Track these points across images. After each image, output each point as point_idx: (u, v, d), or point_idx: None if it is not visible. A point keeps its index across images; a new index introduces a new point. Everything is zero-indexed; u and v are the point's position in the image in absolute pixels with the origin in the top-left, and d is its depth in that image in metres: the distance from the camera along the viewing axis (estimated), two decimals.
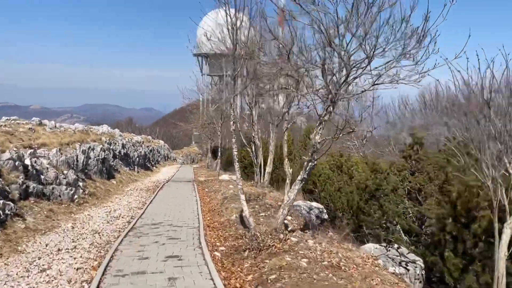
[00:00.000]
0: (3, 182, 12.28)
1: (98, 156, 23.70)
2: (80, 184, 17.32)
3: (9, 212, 11.25)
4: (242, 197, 10.49)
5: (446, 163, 10.71)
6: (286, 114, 13.18)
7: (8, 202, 11.46)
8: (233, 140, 11.28)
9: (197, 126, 39.32)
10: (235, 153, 11.17)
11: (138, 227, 12.29)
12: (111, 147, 29.89)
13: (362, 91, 7.83)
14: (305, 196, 18.13)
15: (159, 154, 54.98)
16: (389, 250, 8.95)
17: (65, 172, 16.38)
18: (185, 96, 36.87)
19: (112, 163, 28.67)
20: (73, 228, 12.11)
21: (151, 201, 17.64)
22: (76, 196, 15.75)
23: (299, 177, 9.15)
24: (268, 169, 22.09)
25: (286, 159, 9.75)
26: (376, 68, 7.80)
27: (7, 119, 21.61)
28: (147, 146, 45.97)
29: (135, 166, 35.49)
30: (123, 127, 74.97)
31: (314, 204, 14.51)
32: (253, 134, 23.14)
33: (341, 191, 16.11)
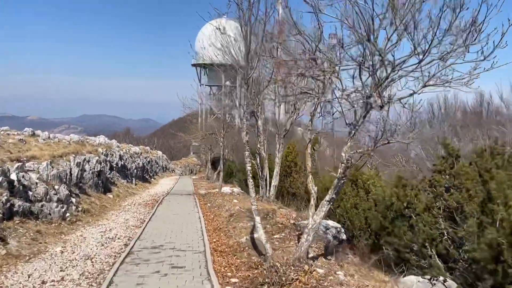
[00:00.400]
0: None
1: (94, 168, 22.16)
2: (73, 200, 15.76)
3: None
4: (257, 219, 8.99)
5: (487, 178, 9.26)
6: (310, 123, 11.71)
7: None
8: (246, 153, 9.82)
9: (197, 137, 37.77)
10: (249, 168, 9.69)
11: (136, 251, 10.74)
12: (108, 158, 28.34)
13: (411, 94, 6.40)
14: None
15: (157, 165, 53.41)
16: (434, 284, 7.46)
17: (56, 187, 14.84)
18: (185, 105, 35.59)
19: (109, 176, 27.12)
20: (62, 252, 10.55)
21: (150, 218, 16.08)
22: (68, 214, 14.19)
23: (327, 198, 7.67)
24: (274, 182, 20.62)
25: (311, 176, 8.26)
26: (424, 65, 6.38)
27: None
28: (145, 157, 44.41)
29: (133, 178, 33.91)
30: (120, 138, 73.39)
31: (331, 222, 12.98)
32: (258, 145, 21.70)
33: (358, 207, 14.61)
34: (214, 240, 12.09)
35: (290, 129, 20.68)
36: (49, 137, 24.17)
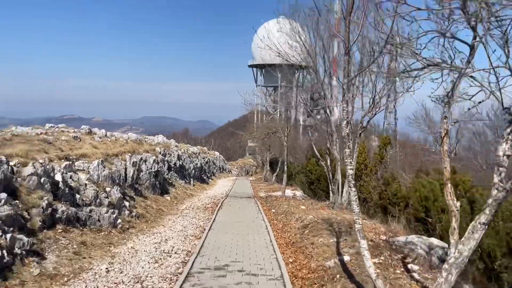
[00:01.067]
0: (20, 206, 8.91)
1: (151, 168, 20.41)
2: (126, 204, 13.86)
3: (19, 251, 7.78)
4: (364, 244, 6.42)
5: None
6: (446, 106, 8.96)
7: (20, 236, 8.00)
8: (347, 151, 7.25)
9: (257, 136, 35.50)
10: (351, 172, 7.15)
11: (197, 273, 8.48)
12: (166, 158, 26.71)
13: None
14: (409, 226, 13.76)
15: (214, 166, 51.87)
16: None
17: (108, 189, 12.97)
18: (246, 101, 34.13)
19: (166, 176, 25.43)
20: (108, 271, 8.49)
21: (211, 226, 13.87)
22: (119, 221, 12.24)
23: (482, 219, 4.99)
24: (346, 187, 17.87)
25: (449, 185, 5.58)
26: None
27: (51, 126, 18.72)
28: (203, 158, 42.84)
29: (191, 179, 32.22)
30: (179, 138, 72.88)
31: (435, 241, 10.16)
32: (328, 145, 19.05)
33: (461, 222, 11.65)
34: (291, 260, 9.61)
35: (367, 126, 17.89)
36: (106, 135, 22.75)
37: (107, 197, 12.61)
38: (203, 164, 40.85)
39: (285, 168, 23.75)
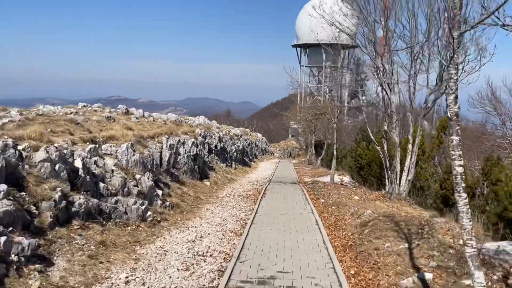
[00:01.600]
0: (27, 199, 7.38)
1: (190, 152, 18.82)
2: (159, 192, 12.24)
3: (15, 258, 6.21)
4: (479, 277, 4.35)
5: None
6: None
7: (18, 239, 6.44)
8: (454, 139, 5.10)
9: (302, 118, 33.30)
10: (459, 169, 5.02)
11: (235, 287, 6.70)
12: (207, 140, 25.13)
13: None
14: (487, 227, 11.37)
15: (257, 148, 50.18)
16: None
17: (138, 176, 11.38)
18: (293, 79, 32.32)
19: (206, 159, 23.89)
20: (127, 282, 6.84)
21: (253, 220, 12.06)
22: (149, 213, 10.62)
23: None
24: (408, 175, 15.56)
25: None
26: None
27: (84, 105, 17.43)
28: (245, 140, 41.16)
29: (232, 162, 30.60)
30: (221, 119, 71.65)
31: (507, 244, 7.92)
32: (385, 127, 16.73)
33: None
34: (352, 272, 7.60)
35: (433, 107, 15.41)
36: (143, 115, 21.36)
37: (136, 186, 11.02)
38: (245, 146, 39.19)
39: (335, 152, 21.50)
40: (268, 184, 22.05)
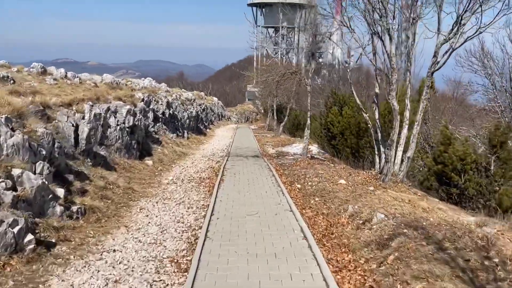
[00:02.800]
0: None
1: (124, 123, 14.24)
2: (60, 192, 7.75)
3: None
4: None
5: None
6: None
7: None
8: None
9: (268, 78, 28.72)
10: None
11: None
12: (151, 106, 20.44)
13: None
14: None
15: (212, 113, 45.62)
16: None
17: (16, 172, 6.84)
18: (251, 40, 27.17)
19: (152, 129, 19.32)
20: None
21: (207, 230, 7.85)
22: (29, 237, 6.17)
23: None
24: (408, 151, 11.75)
25: None
26: None
27: None
28: (199, 105, 36.49)
29: (184, 131, 26.07)
30: (173, 82, 65.91)
31: None
32: (376, 90, 12.77)
33: None
34: None
35: (446, 61, 11.45)
36: (65, 76, 16.32)
37: (11, 188, 6.50)
38: (199, 112, 34.58)
39: (308, 120, 17.26)
40: (227, 159, 17.81)
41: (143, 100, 19.01)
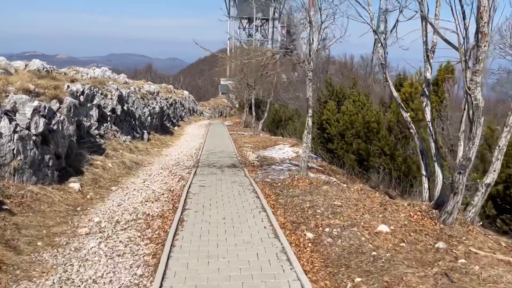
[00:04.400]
0: None
1: (28, 128, 8.86)
2: None
3: None
4: None
5: None
6: None
7: None
8: None
9: (244, 65, 23.41)
10: None
11: None
12: (95, 102, 15.06)
13: None
14: None
15: (182, 108, 40.08)
16: None
17: None
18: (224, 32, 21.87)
19: (95, 132, 14.04)
20: None
21: None
22: None
23: None
24: (489, 177, 6.87)
25: None
26: None
27: None
28: (166, 99, 30.97)
29: (144, 131, 20.66)
30: (141, 75, 59.84)
31: None
32: (426, 74, 7.84)
33: None
34: None
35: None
36: None
37: None
38: (165, 108, 29.09)
39: (309, 121, 11.81)
40: (194, 173, 12.59)
41: (79, 93, 13.57)
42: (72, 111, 11.53)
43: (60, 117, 10.07)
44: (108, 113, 16.53)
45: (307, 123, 11.05)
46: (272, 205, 8.71)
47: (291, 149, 18.74)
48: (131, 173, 12.51)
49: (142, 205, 8.88)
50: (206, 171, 13.10)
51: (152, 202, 9.08)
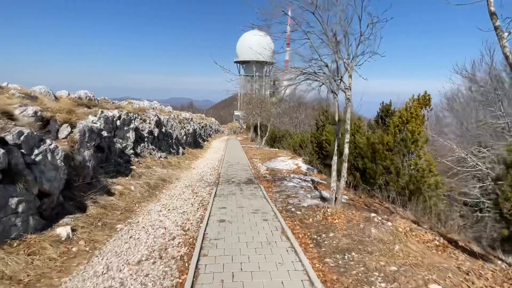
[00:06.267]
0: None
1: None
2: None
3: None
4: None
5: None
6: None
7: None
8: None
9: (250, 108, 18.29)
10: None
11: None
12: (132, 126, 9.68)
13: None
14: None
15: (211, 129, 34.73)
16: None
17: None
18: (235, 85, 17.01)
19: (130, 151, 8.62)
20: None
21: None
22: None
23: None
24: None
25: None
26: None
27: None
28: (199, 123, 25.65)
29: (180, 147, 15.25)
30: (185, 109, 54.45)
31: None
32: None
33: None
34: None
35: None
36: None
37: None
38: (198, 129, 23.75)
39: (345, 148, 5.98)
40: (214, 194, 7.26)
41: (116, 118, 8.23)
42: (87, 135, 6.16)
43: (50, 145, 4.69)
44: (146, 135, 11.16)
45: (344, 151, 5.62)
46: (321, 272, 3.36)
47: (291, 161, 13.44)
48: (154, 195, 7.10)
49: (135, 274, 3.50)
50: (226, 191, 7.74)
51: (154, 263, 3.70)
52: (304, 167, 12.28)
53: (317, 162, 11.58)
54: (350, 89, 4.95)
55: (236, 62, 77.68)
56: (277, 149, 20.92)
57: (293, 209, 5.78)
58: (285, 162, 13.53)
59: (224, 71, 6.82)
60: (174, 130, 15.77)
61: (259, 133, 23.35)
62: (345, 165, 5.31)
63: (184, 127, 17.89)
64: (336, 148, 5.42)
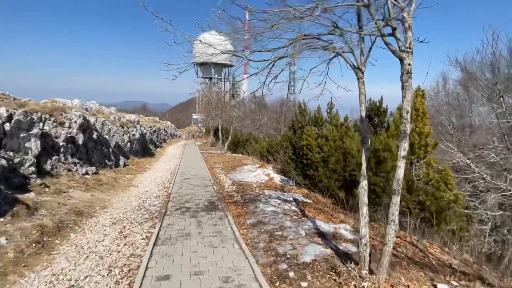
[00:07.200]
0: None
1: None
2: None
3: None
4: None
5: None
6: None
7: None
8: None
9: (210, 110, 15.59)
10: None
11: None
12: (35, 131, 6.23)
13: None
14: None
15: (165, 133, 30.68)
16: None
17: None
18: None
19: (30, 168, 5.22)
20: None
21: None
22: None
23: None
24: None
25: None
26: None
27: None
28: (150, 127, 21.87)
29: (120, 157, 11.80)
30: (137, 112, 48.69)
31: None
32: None
33: None
34: None
35: None
36: None
37: None
38: (149, 134, 20.05)
39: (364, 169, 3.46)
40: (156, 237, 4.53)
41: (3, 119, 4.84)
42: None
43: None
44: (62, 143, 7.75)
45: (397, 173, 3.11)
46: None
47: (261, 171, 11.15)
48: (46, 250, 4.05)
49: None
50: (175, 230, 5.04)
51: None
52: (277, 178, 10.09)
53: (294, 173, 9.48)
54: (411, 53, 2.78)
55: (193, 63, 73.82)
56: (241, 154, 18.53)
57: (290, 273, 3.35)
58: (254, 172, 11.18)
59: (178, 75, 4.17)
60: (114, 135, 12.26)
61: (220, 137, 20.65)
62: (395, 201, 2.97)
63: (128, 132, 14.33)
64: (365, 164, 3.23)
